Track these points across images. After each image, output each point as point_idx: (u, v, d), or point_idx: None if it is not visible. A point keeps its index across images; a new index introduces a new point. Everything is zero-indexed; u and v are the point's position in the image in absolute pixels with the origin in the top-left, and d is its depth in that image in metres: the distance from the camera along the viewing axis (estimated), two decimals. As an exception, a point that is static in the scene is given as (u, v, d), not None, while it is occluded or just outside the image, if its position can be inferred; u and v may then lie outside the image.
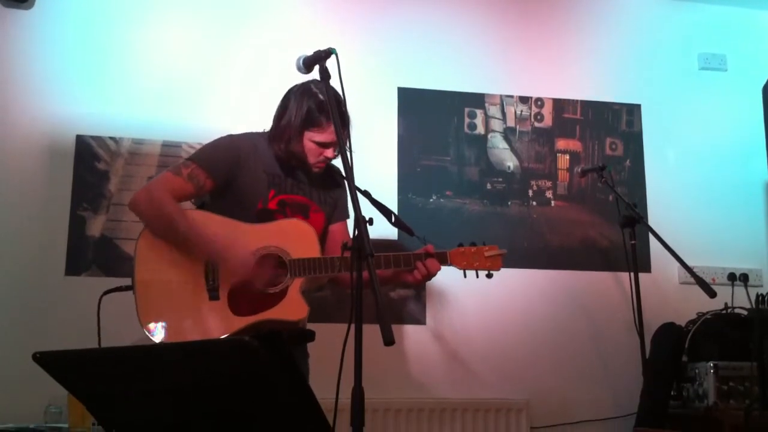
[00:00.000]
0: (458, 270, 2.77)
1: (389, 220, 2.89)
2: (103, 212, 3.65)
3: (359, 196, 2.37)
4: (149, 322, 2.52)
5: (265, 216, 2.67)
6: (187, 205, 2.76)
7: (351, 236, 2.83)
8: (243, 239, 2.58)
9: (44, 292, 3.54)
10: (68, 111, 3.72)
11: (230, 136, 2.77)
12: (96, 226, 3.63)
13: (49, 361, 1.48)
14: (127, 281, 3.38)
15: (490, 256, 2.76)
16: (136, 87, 3.80)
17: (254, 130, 2.81)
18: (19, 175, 3.64)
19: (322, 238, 2.82)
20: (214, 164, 2.67)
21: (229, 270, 2.55)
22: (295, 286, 2.58)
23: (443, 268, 2.73)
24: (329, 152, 2.70)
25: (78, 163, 3.68)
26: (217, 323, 2.53)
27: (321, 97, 2.61)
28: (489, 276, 2.78)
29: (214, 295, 2.56)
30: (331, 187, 2.88)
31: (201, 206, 2.79)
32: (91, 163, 3.69)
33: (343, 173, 2.78)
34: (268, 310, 2.56)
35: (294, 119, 2.67)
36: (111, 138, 3.72)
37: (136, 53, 3.84)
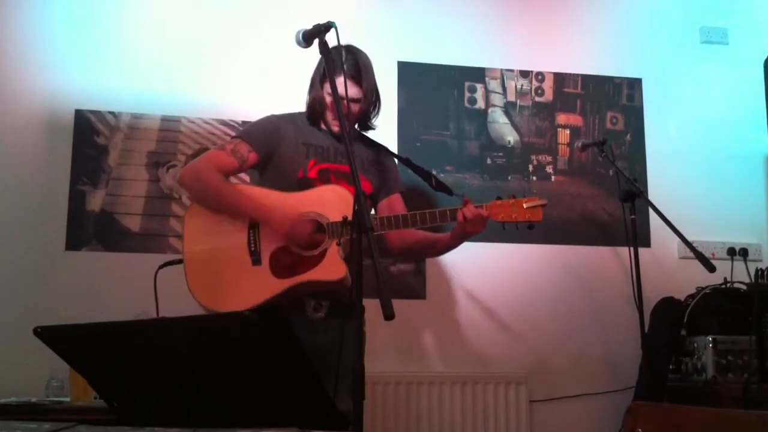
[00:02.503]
0: (497, 223, 2.73)
1: (430, 184, 3.03)
2: (102, 187, 3.64)
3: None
4: (197, 291, 2.63)
5: (305, 184, 2.77)
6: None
7: (405, 209, 2.92)
8: (284, 206, 2.68)
9: (45, 267, 3.54)
10: (67, 85, 3.70)
11: (272, 114, 2.92)
12: (96, 201, 3.63)
13: (50, 336, 1.49)
14: (127, 256, 3.39)
15: (530, 207, 2.73)
16: (135, 61, 3.78)
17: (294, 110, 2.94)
18: (18, 149, 3.63)
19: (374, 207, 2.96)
20: (255, 137, 2.82)
21: (274, 228, 2.65)
22: (333, 247, 2.64)
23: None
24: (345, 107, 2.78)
25: (77, 138, 3.67)
26: (260, 287, 2.62)
27: (342, 51, 2.67)
28: (531, 227, 2.74)
29: (256, 260, 2.66)
30: (374, 155, 2.99)
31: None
32: (91, 137, 3.68)
33: (389, 149, 3.02)
34: (308, 271, 2.63)
35: (316, 71, 2.87)
36: (110, 112, 3.70)
37: (135, 27, 3.82)
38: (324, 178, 2.79)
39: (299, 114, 2.93)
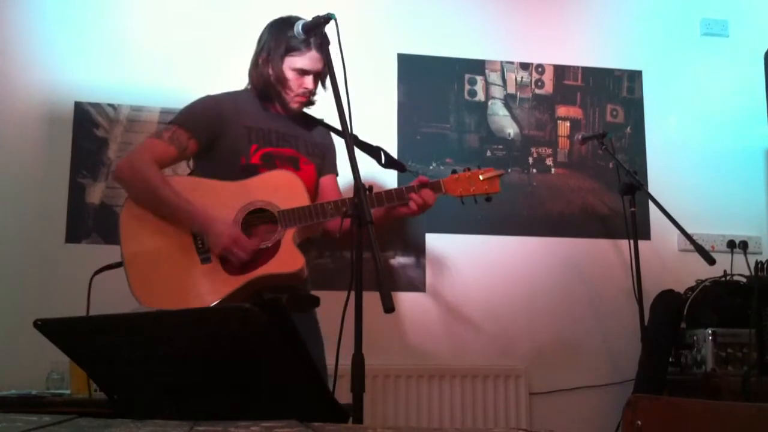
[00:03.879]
0: (455, 197, 2.68)
1: (379, 161, 2.84)
2: (102, 180, 3.64)
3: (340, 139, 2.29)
4: (143, 295, 2.47)
5: (249, 171, 2.62)
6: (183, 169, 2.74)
7: (340, 192, 2.82)
8: (227, 200, 2.54)
9: (45, 260, 3.54)
10: (66, 78, 3.70)
11: (209, 96, 2.75)
12: (95, 194, 3.63)
13: (50, 328, 1.49)
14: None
15: (487, 178, 2.67)
16: (134, 53, 3.77)
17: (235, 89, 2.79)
18: (18, 142, 3.63)
19: (315, 190, 2.79)
20: (195, 124, 2.64)
21: (212, 242, 2.50)
22: (288, 237, 2.52)
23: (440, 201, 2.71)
24: (308, 81, 2.68)
25: (77, 131, 3.66)
26: (213, 285, 2.49)
27: (301, 23, 2.55)
28: (488, 200, 2.69)
29: (205, 258, 2.52)
30: (318, 138, 2.84)
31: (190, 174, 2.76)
32: (90, 130, 3.68)
33: (328, 124, 2.81)
34: (263, 265, 2.51)
35: (273, 47, 2.66)
36: (109, 105, 3.70)
37: (135, 19, 3.81)
38: (269, 164, 2.65)
39: (240, 92, 2.79)
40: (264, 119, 2.73)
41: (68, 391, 3.07)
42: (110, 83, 3.72)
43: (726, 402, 2.93)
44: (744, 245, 4.07)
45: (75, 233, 3.59)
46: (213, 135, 2.65)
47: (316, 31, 2.50)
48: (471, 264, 3.87)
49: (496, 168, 2.73)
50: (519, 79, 4.12)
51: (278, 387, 1.48)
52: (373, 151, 2.85)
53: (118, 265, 2.58)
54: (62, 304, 3.37)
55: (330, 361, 2.30)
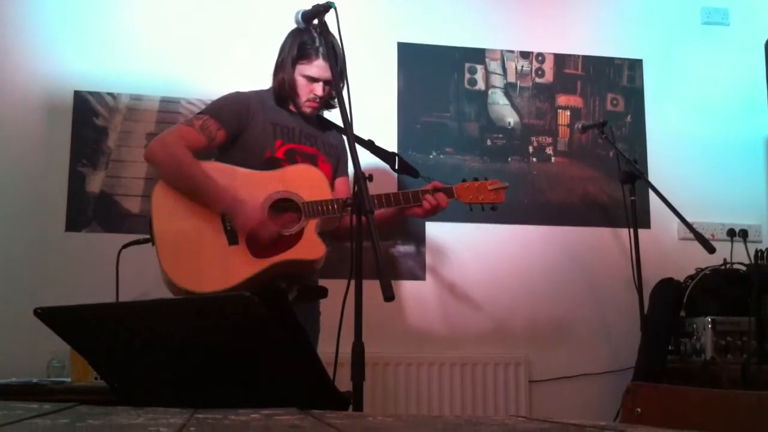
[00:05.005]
0: (464, 204, 2.88)
1: (392, 166, 3.03)
2: (102, 168, 3.64)
3: (360, 147, 2.41)
4: (172, 271, 2.56)
5: (272, 164, 2.73)
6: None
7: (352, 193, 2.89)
8: (254, 188, 2.65)
9: (45, 248, 3.55)
10: (66, 66, 3.69)
11: (238, 91, 2.86)
12: (95, 183, 3.63)
13: (51, 317, 1.49)
14: (126, 237, 3.39)
15: (494, 189, 2.88)
16: (134, 42, 3.76)
17: (261, 88, 2.90)
18: (17, 131, 3.63)
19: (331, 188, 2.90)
20: (224, 115, 2.75)
21: (240, 223, 2.60)
22: (311, 227, 2.64)
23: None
24: (318, 89, 2.78)
25: (76, 119, 3.66)
26: (239, 266, 2.59)
27: (314, 33, 2.72)
28: (493, 209, 2.90)
29: (233, 239, 2.62)
30: (333, 140, 2.97)
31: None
32: (90, 119, 3.67)
33: (339, 126, 2.89)
34: (287, 251, 2.62)
35: (287, 52, 2.79)
36: (109, 94, 3.70)
37: (134, 8, 3.80)
38: (291, 159, 2.77)
39: (266, 91, 2.89)
40: (287, 118, 2.84)
41: (69, 379, 3.07)
42: (110, 72, 3.71)
43: (725, 390, 2.94)
44: (744, 234, 4.07)
45: (75, 222, 3.59)
46: (240, 127, 2.76)
47: (315, 19, 2.51)
48: (471, 253, 3.88)
49: (501, 181, 2.93)
50: (519, 68, 4.12)
51: (278, 375, 1.48)
52: (388, 157, 3.02)
53: (146, 240, 2.71)
54: (62, 292, 3.40)
55: (330, 349, 2.31)
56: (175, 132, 2.70)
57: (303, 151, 2.81)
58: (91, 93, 3.68)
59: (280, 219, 2.66)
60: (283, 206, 2.68)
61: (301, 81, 2.78)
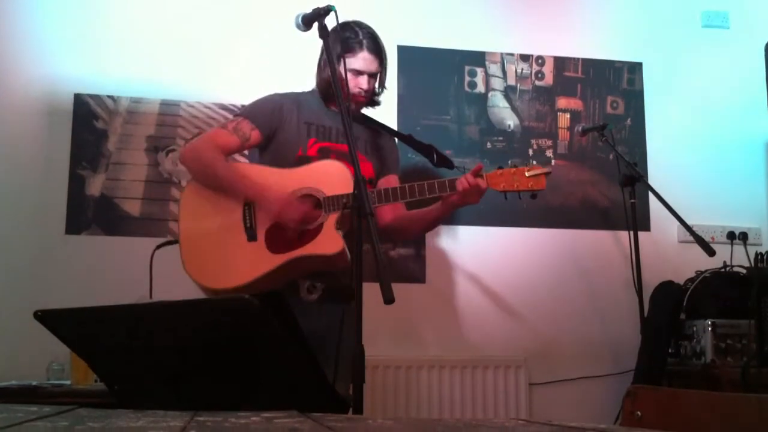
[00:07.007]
0: (498, 192, 2.71)
1: (431, 160, 3.02)
2: (102, 171, 3.64)
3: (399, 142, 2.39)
4: (191, 268, 2.62)
5: (303, 162, 2.75)
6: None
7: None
8: (280, 183, 2.67)
9: (45, 251, 3.55)
10: (66, 70, 3.69)
11: (275, 93, 2.90)
12: (95, 185, 3.63)
13: (51, 320, 1.49)
14: (126, 240, 3.40)
15: (533, 176, 2.68)
16: (134, 45, 3.77)
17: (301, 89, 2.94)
18: (17, 133, 3.63)
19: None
20: (258, 115, 2.80)
21: (266, 209, 2.64)
22: (330, 222, 2.61)
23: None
24: (363, 82, 2.81)
25: (76, 122, 3.66)
26: (254, 263, 2.60)
27: (355, 28, 2.80)
28: (533, 197, 2.72)
29: (251, 236, 2.64)
30: (379, 140, 2.99)
31: None
32: (90, 121, 3.67)
33: (389, 127, 3.04)
34: (304, 246, 2.61)
35: (331, 49, 2.70)
36: (109, 96, 3.70)
37: (134, 11, 3.80)
38: (325, 157, 2.77)
39: (304, 93, 2.92)
40: (326, 117, 2.86)
41: (69, 382, 3.07)
42: (110, 75, 3.72)
43: (725, 393, 2.94)
44: (744, 236, 4.07)
45: (75, 225, 3.59)
46: (273, 126, 2.80)
47: (315, 22, 2.52)
48: (471, 255, 3.88)
49: (543, 165, 2.73)
50: (519, 70, 4.12)
51: (278, 377, 1.48)
52: (425, 150, 3.02)
53: (176, 242, 2.75)
54: (62, 295, 3.40)
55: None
56: (206, 135, 2.80)
57: (338, 150, 2.79)
58: (91, 96, 3.68)
59: (300, 213, 2.66)
60: (305, 202, 2.68)
61: (348, 75, 2.74)
